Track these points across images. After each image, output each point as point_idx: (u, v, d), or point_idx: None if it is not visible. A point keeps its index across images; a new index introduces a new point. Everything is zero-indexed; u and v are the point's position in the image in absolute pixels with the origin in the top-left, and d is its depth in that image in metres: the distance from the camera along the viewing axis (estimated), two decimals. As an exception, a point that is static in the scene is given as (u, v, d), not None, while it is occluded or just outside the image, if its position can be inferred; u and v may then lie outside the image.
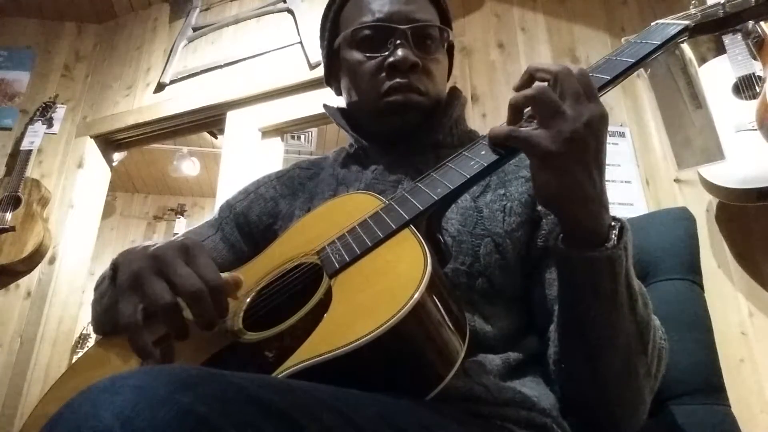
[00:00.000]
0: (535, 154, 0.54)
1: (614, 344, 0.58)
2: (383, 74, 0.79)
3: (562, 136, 0.52)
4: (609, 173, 1.80)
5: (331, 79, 0.93)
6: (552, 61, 2.07)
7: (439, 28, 0.83)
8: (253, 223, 0.87)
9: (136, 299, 0.54)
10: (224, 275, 0.57)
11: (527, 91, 0.55)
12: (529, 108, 0.57)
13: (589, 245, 0.56)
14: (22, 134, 2.60)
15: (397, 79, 0.78)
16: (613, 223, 0.58)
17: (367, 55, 0.81)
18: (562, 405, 0.65)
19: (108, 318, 0.70)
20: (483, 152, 0.60)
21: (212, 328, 0.54)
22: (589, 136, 0.53)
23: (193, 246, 0.57)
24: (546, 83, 0.56)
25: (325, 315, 0.52)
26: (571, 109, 0.53)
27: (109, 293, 0.67)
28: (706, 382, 0.77)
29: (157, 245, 0.58)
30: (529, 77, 0.59)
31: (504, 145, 0.58)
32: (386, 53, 0.79)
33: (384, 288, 0.51)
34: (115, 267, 0.66)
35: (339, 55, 0.86)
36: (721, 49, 1.74)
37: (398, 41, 0.78)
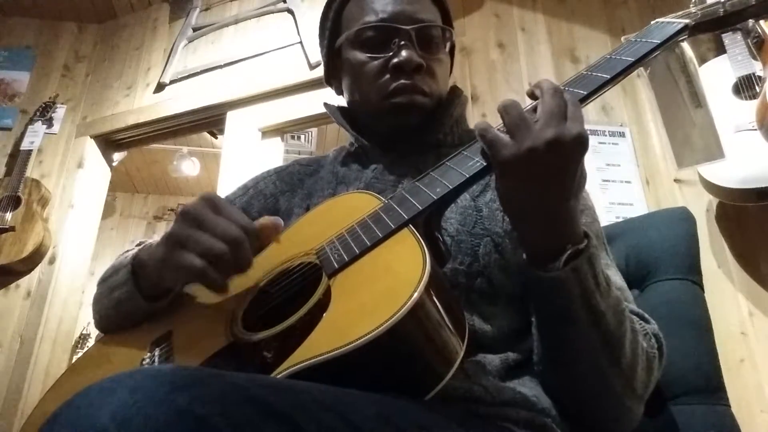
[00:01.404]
0: (494, 158, 0.55)
1: (578, 359, 0.59)
2: (387, 75, 0.78)
3: (521, 149, 0.53)
4: (609, 173, 1.82)
5: (331, 78, 0.92)
6: (551, 61, 2.07)
7: (442, 28, 0.83)
8: (254, 219, 0.87)
9: (185, 251, 0.57)
10: (262, 219, 0.62)
11: (503, 101, 0.56)
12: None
13: (541, 263, 0.57)
14: (22, 134, 2.60)
15: (402, 81, 0.77)
16: (569, 246, 0.56)
17: (370, 55, 0.80)
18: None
19: (119, 313, 0.70)
20: (483, 151, 0.60)
21: (248, 268, 0.57)
22: (550, 154, 0.53)
23: (213, 197, 0.59)
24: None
25: (324, 315, 0.52)
26: (540, 125, 0.54)
27: (127, 288, 0.67)
28: (706, 382, 0.77)
29: (181, 207, 0.61)
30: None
31: (480, 139, 0.58)
32: (390, 54, 0.78)
33: (383, 288, 0.51)
34: (137, 260, 0.67)
35: (340, 55, 0.86)
36: (721, 49, 1.74)
37: (402, 42, 0.78)
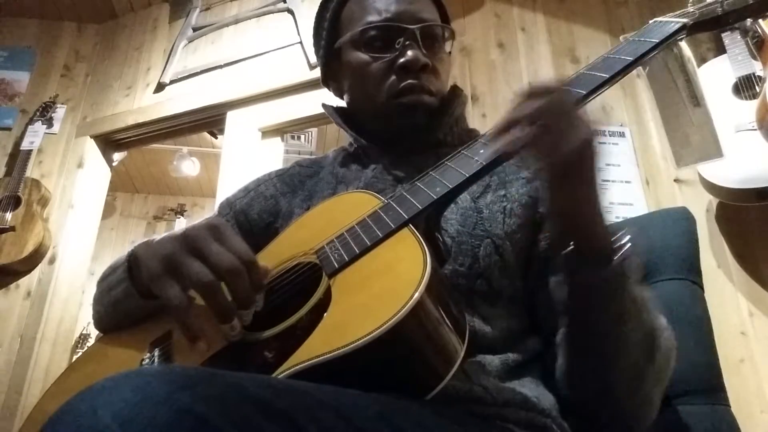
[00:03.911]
0: (556, 158, 0.53)
1: (624, 356, 0.59)
2: (393, 76, 0.78)
3: (576, 144, 0.52)
4: (609, 173, 1.81)
5: (329, 80, 0.92)
6: (551, 61, 2.07)
7: (443, 27, 0.83)
8: (253, 220, 0.87)
9: (175, 281, 0.53)
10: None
11: (541, 101, 0.53)
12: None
13: (598, 263, 0.56)
14: (22, 134, 2.59)
15: (409, 81, 0.77)
16: (613, 239, 0.58)
17: (374, 55, 0.80)
18: (562, 406, 0.65)
19: (117, 311, 0.69)
20: (482, 151, 0.60)
21: (251, 305, 0.54)
22: (592, 149, 0.54)
23: (220, 224, 0.57)
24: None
25: (325, 315, 0.52)
26: (579, 122, 0.53)
27: (124, 286, 0.67)
28: (706, 382, 0.77)
29: (183, 228, 0.58)
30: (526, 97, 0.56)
31: (511, 154, 0.55)
32: (395, 54, 0.78)
33: (383, 288, 0.51)
34: (134, 258, 0.66)
35: (340, 56, 0.85)
36: (721, 49, 1.73)
37: (407, 42, 0.77)
